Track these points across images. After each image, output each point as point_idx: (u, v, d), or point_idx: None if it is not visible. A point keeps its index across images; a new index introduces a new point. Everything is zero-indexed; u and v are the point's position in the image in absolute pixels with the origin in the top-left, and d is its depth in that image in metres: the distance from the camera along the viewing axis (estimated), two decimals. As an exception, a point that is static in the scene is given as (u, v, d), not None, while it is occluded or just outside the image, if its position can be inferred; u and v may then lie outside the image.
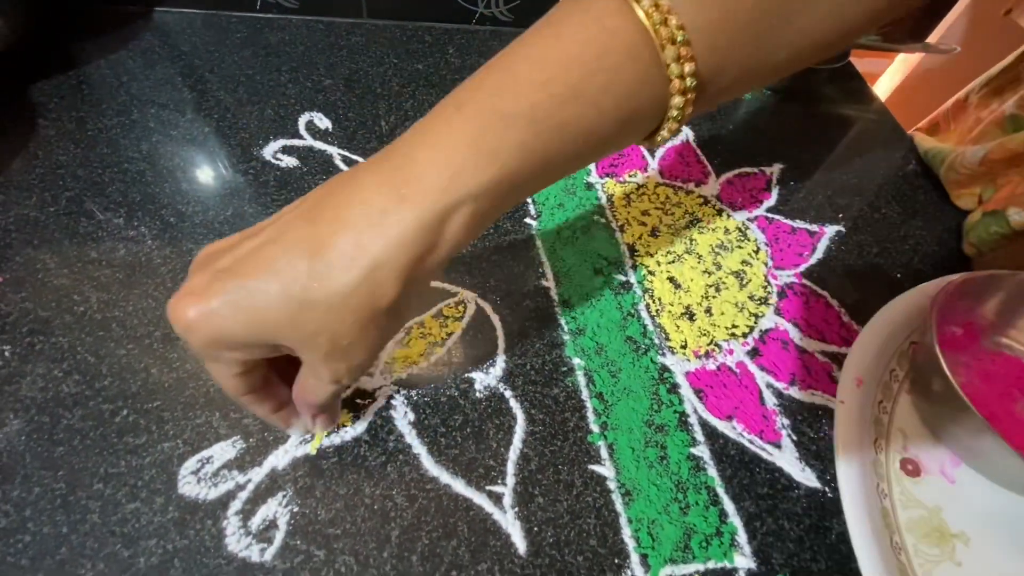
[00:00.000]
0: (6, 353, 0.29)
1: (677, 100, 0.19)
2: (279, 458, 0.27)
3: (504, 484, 0.28)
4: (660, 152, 0.45)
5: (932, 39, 0.59)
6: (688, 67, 0.18)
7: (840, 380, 0.31)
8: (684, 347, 0.34)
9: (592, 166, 0.43)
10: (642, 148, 0.45)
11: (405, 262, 0.19)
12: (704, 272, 0.37)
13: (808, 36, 0.20)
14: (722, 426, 0.31)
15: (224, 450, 0.27)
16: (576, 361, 0.32)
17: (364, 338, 0.20)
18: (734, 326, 0.35)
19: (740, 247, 0.39)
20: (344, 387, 0.23)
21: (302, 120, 0.43)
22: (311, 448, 0.28)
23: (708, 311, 0.35)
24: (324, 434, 0.28)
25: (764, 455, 0.30)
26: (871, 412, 0.30)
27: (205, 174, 0.39)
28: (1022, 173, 0.40)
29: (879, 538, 0.26)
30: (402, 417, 0.29)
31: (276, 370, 0.24)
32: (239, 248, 0.20)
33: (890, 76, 0.68)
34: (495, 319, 0.34)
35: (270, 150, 0.41)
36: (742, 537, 0.27)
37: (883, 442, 0.29)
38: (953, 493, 0.28)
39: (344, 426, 0.29)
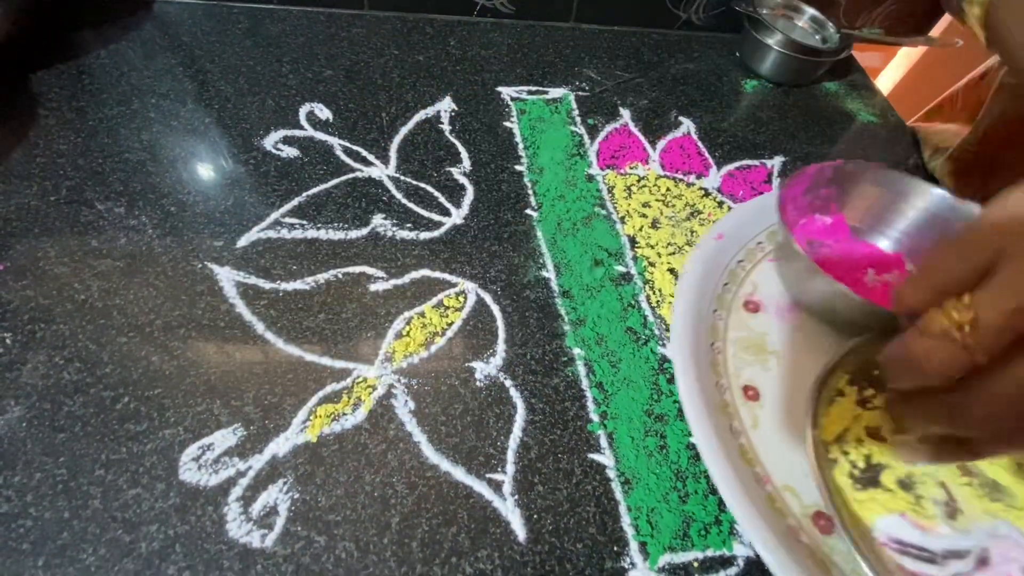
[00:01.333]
0: (7, 340, 0.29)
1: None
2: (280, 445, 0.27)
3: (504, 472, 0.28)
4: (661, 144, 0.45)
5: (935, 33, 0.58)
6: None
7: (704, 233, 0.36)
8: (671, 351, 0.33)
9: (593, 158, 0.43)
10: (643, 140, 0.45)
11: None
12: (705, 264, 0.37)
13: None
14: (722, 416, 0.31)
15: (225, 437, 0.27)
16: (576, 351, 0.32)
17: None
18: (734, 317, 0.35)
19: (741, 239, 0.39)
20: None
21: (303, 111, 0.43)
22: (309, 431, 0.28)
23: (708, 302, 0.35)
24: (327, 416, 0.28)
25: (763, 445, 0.30)
26: (727, 263, 0.36)
27: (206, 164, 0.39)
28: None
29: (700, 340, 0.31)
30: (402, 406, 0.29)
31: None
32: None
33: (893, 69, 0.68)
34: (495, 309, 0.34)
35: (271, 140, 0.41)
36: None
37: (733, 286, 0.35)
38: (781, 327, 0.34)
39: (343, 414, 0.29)
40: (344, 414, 0.29)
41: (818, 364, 0.28)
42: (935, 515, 0.26)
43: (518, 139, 0.44)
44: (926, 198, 0.35)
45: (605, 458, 0.29)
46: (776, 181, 0.44)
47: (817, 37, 0.53)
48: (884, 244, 0.37)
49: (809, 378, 0.28)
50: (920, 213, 0.35)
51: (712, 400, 0.29)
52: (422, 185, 0.40)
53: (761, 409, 0.30)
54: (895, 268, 0.35)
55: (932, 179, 0.45)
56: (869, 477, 0.27)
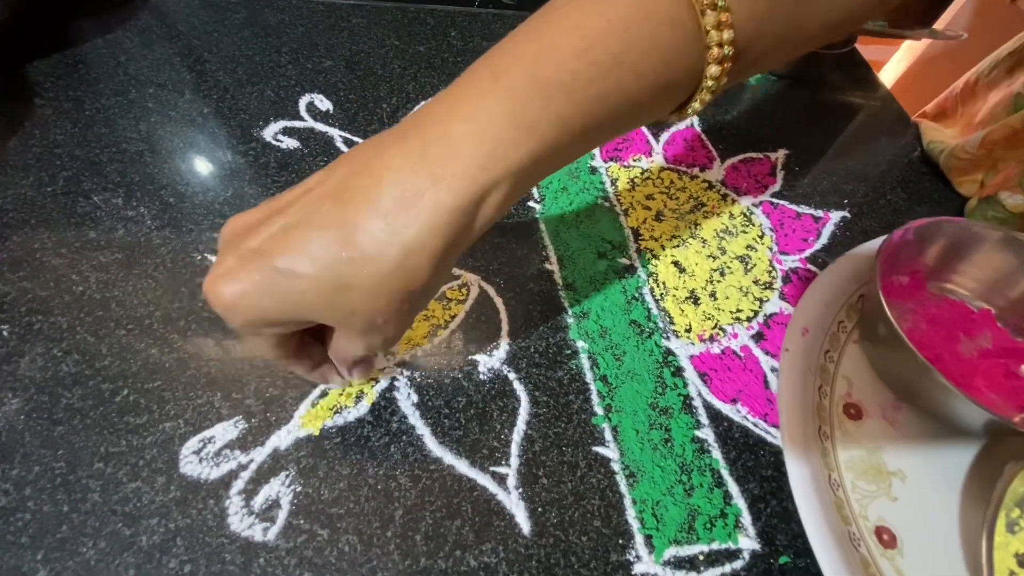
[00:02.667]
0: (4, 333, 0.29)
1: (713, 69, 0.19)
2: (281, 438, 0.27)
3: (508, 465, 0.27)
4: (665, 137, 0.45)
5: (939, 25, 0.58)
6: (727, 34, 0.18)
7: (787, 330, 0.31)
8: (688, 331, 0.33)
9: (596, 150, 0.43)
10: (647, 132, 0.45)
11: (440, 246, 0.19)
12: (709, 256, 0.37)
13: (843, 7, 0.20)
14: (726, 409, 0.30)
15: (226, 430, 0.27)
16: (580, 344, 0.32)
17: (398, 315, 0.20)
18: (738, 310, 0.35)
19: (745, 232, 0.39)
20: (375, 352, 0.24)
21: (303, 101, 0.43)
22: (311, 424, 0.27)
23: (712, 295, 0.35)
24: (329, 408, 0.28)
25: (768, 438, 0.30)
26: (817, 360, 0.31)
27: (204, 155, 0.38)
28: (1019, 156, 0.40)
29: (817, 476, 0.27)
30: (405, 398, 0.29)
31: (311, 332, 0.24)
32: (267, 227, 0.20)
33: (896, 63, 0.68)
34: (499, 302, 0.34)
35: (270, 131, 0.40)
36: (746, 519, 0.27)
37: (827, 388, 0.30)
38: (893, 434, 0.29)
39: (345, 407, 0.28)
40: (346, 407, 0.28)
41: (948, 481, 0.26)
42: None
43: (520, 131, 0.43)
44: (997, 242, 0.32)
45: (610, 451, 0.28)
46: (780, 174, 0.43)
47: (821, 29, 0.53)
48: (965, 296, 0.34)
49: (941, 501, 0.26)
50: (997, 260, 0.32)
51: (851, 560, 0.24)
52: (424, 177, 0.39)
53: (903, 559, 0.26)
54: (985, 329, 0.32)
55: (934, 172, 0.45)
56: None
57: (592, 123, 0.19)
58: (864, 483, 0.28)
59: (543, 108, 0.18)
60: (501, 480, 0.27)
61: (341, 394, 0.29)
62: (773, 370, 0.32)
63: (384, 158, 0.19)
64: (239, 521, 0.25)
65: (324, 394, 0.29)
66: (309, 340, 0.24)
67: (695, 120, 0.47)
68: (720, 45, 0.18)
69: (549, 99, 0.18)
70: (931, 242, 0.33)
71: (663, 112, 0.22)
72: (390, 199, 0.18)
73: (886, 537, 0.26)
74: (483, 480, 0.27)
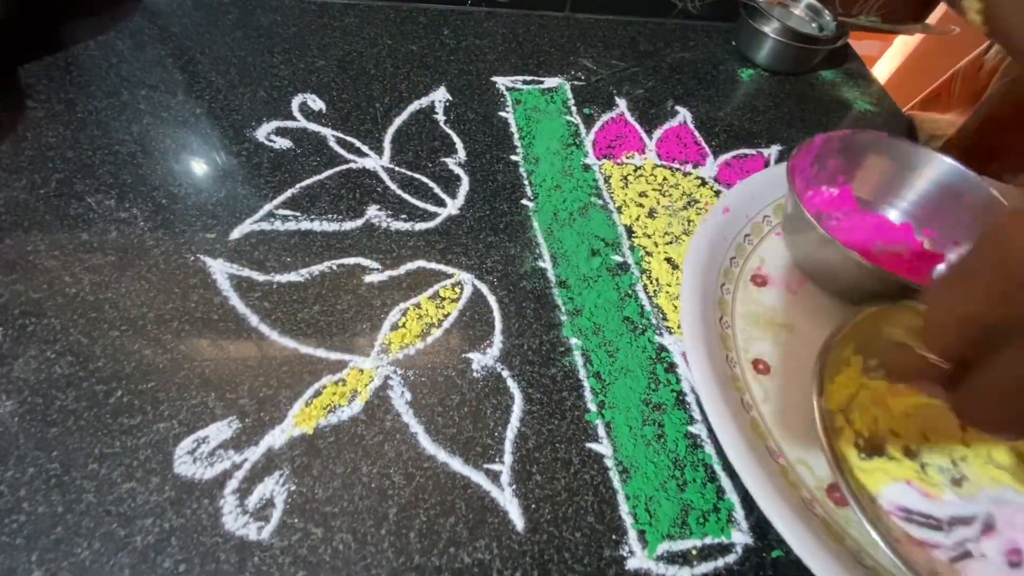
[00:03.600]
0: (-2, 335, 0.29)
1: None
2: (275, 438, 0.27)
3: (502, 462, 0.28)
4: (658, 134, 0.45)
5: (931, 20, 0.58)
6: None
7: (711, 208, 0.35)
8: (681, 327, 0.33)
9: (589, 147, 0.43)
10: (640, 129, 0.45)
11: None
12: (702, 253, 0.37)
13: None
14: (719, 404, 0.31)
15: (220, 430, 0.27)
16: (573, 341, 0.32)
17: None
18: (732, 306, 0.35)
19: (738, 228, 0.39)
20: None
21: (295, 102, 0.43)
22: (305, 424, 0.27)
23: (706, 291, 0.35)
24: (323, 408, 0.28)
25: (761, 433, 0.30)
26: (734, 237, 0.35)
27: (197, 156, 0.38)
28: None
29: (708, 315, 0.31)
30: (399, 397, 0.29)
31: None
32: None
33: (889, 59, 0.68)
34: (492, 300, 0.34)
35: (263, 132, 0.40)
36: (739, 513, 0.27)
37: (739, 260, 0.35)
38: (791, 299, 0.34)
39: (339, 406, 0.28)
40: (340, 406, 0.28)
41: (828, 331, 0.29)
42: (941, 483, 0.26)
43: (513, 129, 0.44)
44: (934, 167, 0.34)
45: (603, 447, 0.29)
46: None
47: (814, 25, 0.53)
48: (892, 215, 0.36)
49: (817, 346, 0.28)
50: (928, 183, 0.35)
51: (723, 374, 0.29)
52: (417, 176, 0.39)
53: (771, 382, 0.30)
54: (903, 238, 0.35)
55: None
56: (874, 445, 0.27)
57: None
58: (753, 329, 0.32)
59: None
60: (495, 477, 0.27)
61: (335, 393, 0.29)
62: (766, 365, 0.32)
63: None
64: (233, 520, 0.25)
65: (318, 393, 0.29)
66: None
67: (688, 116, 0.47)
68: None
69: None
70: (862, 156, 0.36)
71: None
72: None
73: (761, 367, 0.31)
74: (477, 477, 0.27)
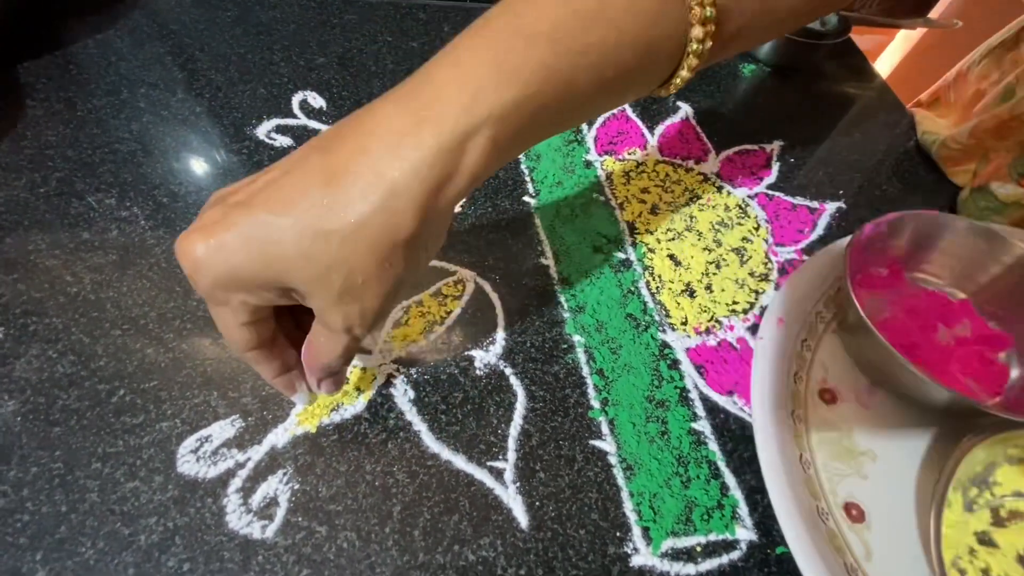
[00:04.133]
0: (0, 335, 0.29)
1: (697, 31, 0.20)
2: (279, 436, 0.27)
3: (505, 460, 0.28)
4: (659, 129, 0.45)
5: (933, 14, 0.58)
6: None
7: (763, 320, 0.32)
8: (684, 324, 0.33)
9: (591, 144, 0.43)
10: (641, 125, 0.45)
11: (423, 190, 0.18)
12: (704, 249, 0.37)
13: None
14: (723, 401, 0.31)
15: (223, 429, 0.27)
16: (576, 338, 0.32)
17: (379, 275, 0.19)
18: (735, 302, 0.35)
19: (740, 224, 0.39)
20: (355, 342, 0.22)
21: (295, 99, 0.42)
22: (308, 422, 0.27)
23: (708, 288, 0.35)
24: (326, 406, 0.28)
25: (765, 429, 0.30)
26: (792, 348, 0.32)
27: (197, 154, 0.38)
28: (1009, 147, 0.40)
29: (787, 455, 0.27)
30: (402, 395, 0.29)
31: (284, 334, 0.23)
32: (253, 183, 0.19)
33: (891, 53, 0.68)
34: (494, 297, 0.34)
35: (263, 129, 0.40)
36: (743, 510, 0.27)
37: (803, 375, 0.31)
38: (865, 416, 0.30)
39: (342, 404, 0.28)
40: (343, 404, 0.28)
41: (916, 459, 0.27)
42: None
43: (515, 126, 0.43)
44: (992, 243, 0.32)
45: (607, 444, 0.28)
46: (776, 165, 0.43)
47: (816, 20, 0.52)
48: (943, 286, 0.34)
49: (910, 479, 0.27)
50: (984, 257, 0.32)
51: (818, 533, 0.25)
52: (418, 173, 0.39)
53: (870, 532, 0.26)
54: (964, 318, 0.33)
55: (929, 162, 0.45)
56: None
57: (576, 77, 0.19)
58: (836, 463, 0.28)
59: (525, 54, 0.18)
60: (498, 475, 0.27)
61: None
62: (769, 361, 0.32)
63: (374, 110, 0.19)
64: (237, 519, 0.25)
65: (321, 392, 0.29)
66: (282, 341, 0.23)
67: (689, 112, 0.47)
68: (701, 5, 0.19)
69: (531, 46, 0.18)
70: (905, 234, 0.34)
71: (650, 81, 0.22)
72: (375, 142, 0.18)
73: (855, 512, 0.27)
74: (480, 475, 0.27)
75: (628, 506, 0.27)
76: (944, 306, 0.33)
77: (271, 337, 0.22)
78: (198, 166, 0.37)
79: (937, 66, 0.62)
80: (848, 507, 0.27)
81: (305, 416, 0.28)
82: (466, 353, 0.31)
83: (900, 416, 0.30)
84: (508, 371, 0.30)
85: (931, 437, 0.29)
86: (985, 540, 0.25)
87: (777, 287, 0.36)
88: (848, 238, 0.32)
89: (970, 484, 0.26)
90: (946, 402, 0.27)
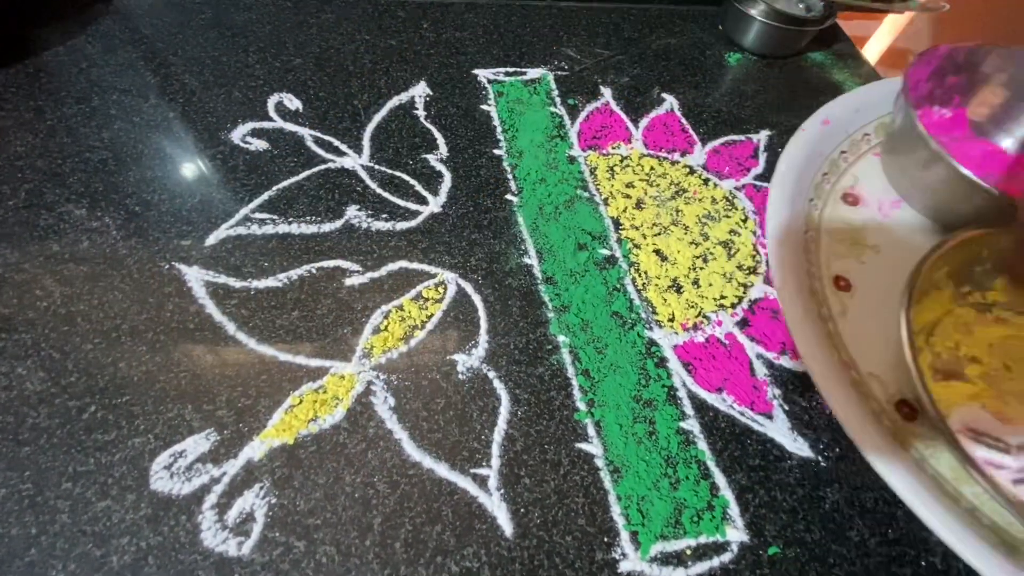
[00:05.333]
0: (-34, 353, 0.28)
1: None
2: (255, 449, 0.26)
3: (489, 466, 0.27)
4: (644, 122, 0.44)
5: (921, -2, 0.57)
6: None
7: (810, 118, 0.34)
8: (671, 320, 0.33)
9: (574, 139, 0.42)
10: (626, 119, 0.44)
11: None
12: (691, 243, 0.36)
13: None
14: (712, 398, 0.30)
15: (197, 443, 0.26)
16: (561, 339, 0.31)
17: None
18: (722, 297, 0.34)
19: (727, 217, 0.38)
20: None
21: (271, 101, 0.41)
22: (285, 434, 0.27)
23: (696, 283, 0.34)
24: (304, 418, 0.27)
25: (755, 426, 0.29)
26: (829, 152, 0.34)
27: (171, 161, 0.37)
28: None
29: (793, 226, 0.30)
30: (382, 403, 0.28)
31: None
32: None
33: (879, 39, 0.67)
34: (476, 299, 0.33)
35: (238, 133, 0.39)
36: (734, 510, 0.27)
37: (832, 177, 0.34)
38: (880, 222, 0.33)
39: (317, 418, 0.28)
40: (321, 414, 0.28)
41: (918, 258, 0.28)
42: (1019, 412, 0.25)
43: (496, 122, 0.42)
44: None
45: (593, 447, 0.28)
46: (763, 156, 0.43)
47: (801, 6, 0.52)
48: (1007, 144, 0.33)
49: (906, 273, 0.27)
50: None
51: (801, 284, 0.29)
52: (397, 174, 0.38)
53: (851, 299, 0.29)
54: (1019, 170, 0.32)
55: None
56: (950, 371, 0.27)
57: None
58: (839, 245, 0.31)
59: None
60: (482, 482, 0.26)
61: (316, 401, 0.28)
62: (759, 357, 0.32)
63: None
64: (212, 536, 0.24)
65: (299, 402, 0.28)
66: None
67: (675, 104, 0.46)
68: None
69: None
70: (987, 74, 0.33)
71: None
72: None
73: (842, 283, 0.30)
74: (463, 483, 0.26)
75: (616, 510, 0.26)
76: (1000, 157, 0.33)
77: None
78: (171, 173, 0.36)
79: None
80: (838, 279, 0.30)
81: (282, 427, 0.27)
82: (448, 358, 0.30)
83: (914, 226, 0.33)
84: (491, 375, 0.30)
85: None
86: (962, 327, 0.27)
87: (767, 280, 0.35)
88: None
89: (962, 279, 0.28)
90: (976, 203, 0.28)
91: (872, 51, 0.67)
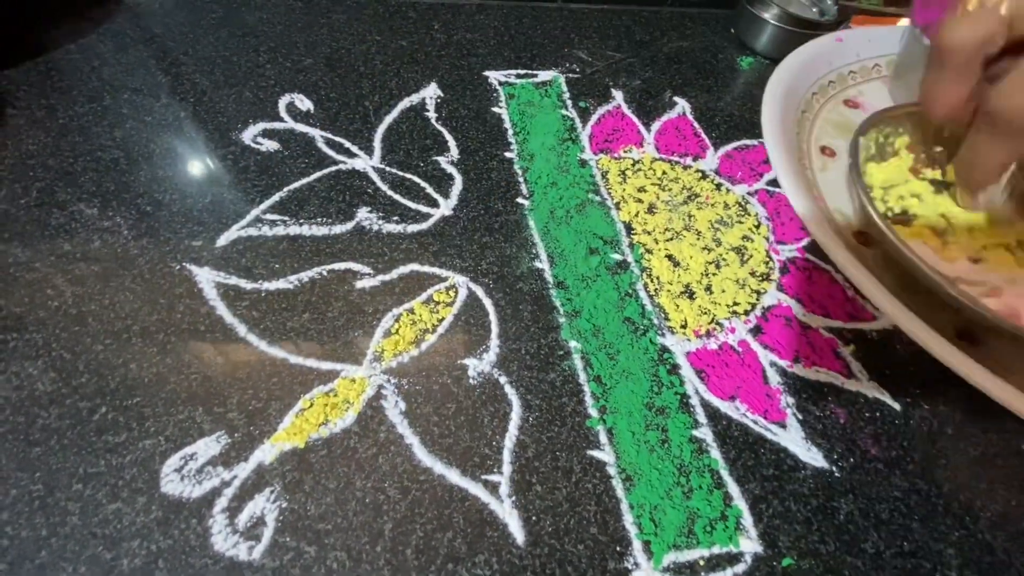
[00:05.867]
0: (-23, 352, 0.28)
1: None
2: (265, 452, 0.26)
3: (500, 473, 0.27)
4: (656, 126, 0.44)
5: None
6: None
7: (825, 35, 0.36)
8: (684, 327, 0.32)
9: (586, 142, 0.42)
10: (637, 122, 0.44)
11: None
12: (704, 249, 0.36)
13: None
14: (725, 407, 0.30)
15: (208, 446, 0.26)
16: (573, 344, 0.31)
17: None
18: (735, 303, 0.34)
19: (740, 222, 0.38)
20: None
21: (282, 102, 0.41)
22: (296, 437, 0.27)
23: (708, 289, 0.34)
24: (315, 422, 0.27)
25: (769, 435, 0.29)
26: (838, 67, 0.36)
27: (182, 161, 0.37)
28: None
29: (790, 106, 0.32)
30: (393, 407, 0.28)
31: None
32: None
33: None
34: (488, 303, 0.33)
35: (249, 134, 0.39)
36: (747, 520, 0.26)
37: (838, 85, 0.35)
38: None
39: (328, 422, 0.27)
40: (332, 418, 0.27)
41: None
42: (959, 256, 0.26)
43: (507, 125, 0.42)
44: None
45: (605, 455, 0.28)
46: (775, 161, 0.42)
47: (814, 10, 0.51)
48: None
49: None
50: None
51: (790, 140, 0.30)
52: (408, 176, 0.38)
53: (833, 162, 0.31)
54: None
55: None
56: (902, 219, 0.27)
57: None
58: (832, 128, 0.33)
59: None
60: (493, 488, 0.26)
61: (327, 405, 0.28)
62: (772, 365, 0.31)
63: None
64: (223, 540, 0.24)
65: (309, 405, 0.28)
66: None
67: (687, 107, 0.46)
68: None
69: None
70: None
71: None
72: None
73: (828, 152, 0.31)
74: (475, 489, 0.26)
75: (628, 519, 0.26)
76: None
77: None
78: (182, 173, 0.36)
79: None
80: (824, 148, 0.32)
81: (293, 431, 0.27)
82: (459, 362, 0.30)
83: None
84: (503, 380, 0.30)
85: None
86: (917, 194, 0.28)
87: (780, 287, 0.35)
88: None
89: (923, 155, 0.29)
90: None
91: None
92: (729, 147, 0.43)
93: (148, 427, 0.26)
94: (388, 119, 0.41)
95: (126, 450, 0.26)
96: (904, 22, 0.38)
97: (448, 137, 0.41)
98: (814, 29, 0.49)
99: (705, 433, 0.29)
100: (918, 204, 0.27)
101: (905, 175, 0.28)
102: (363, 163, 0.38)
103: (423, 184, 0.38)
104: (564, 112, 0.44)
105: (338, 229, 0.35)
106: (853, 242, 0.27)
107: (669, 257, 0.35)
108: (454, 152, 0.40)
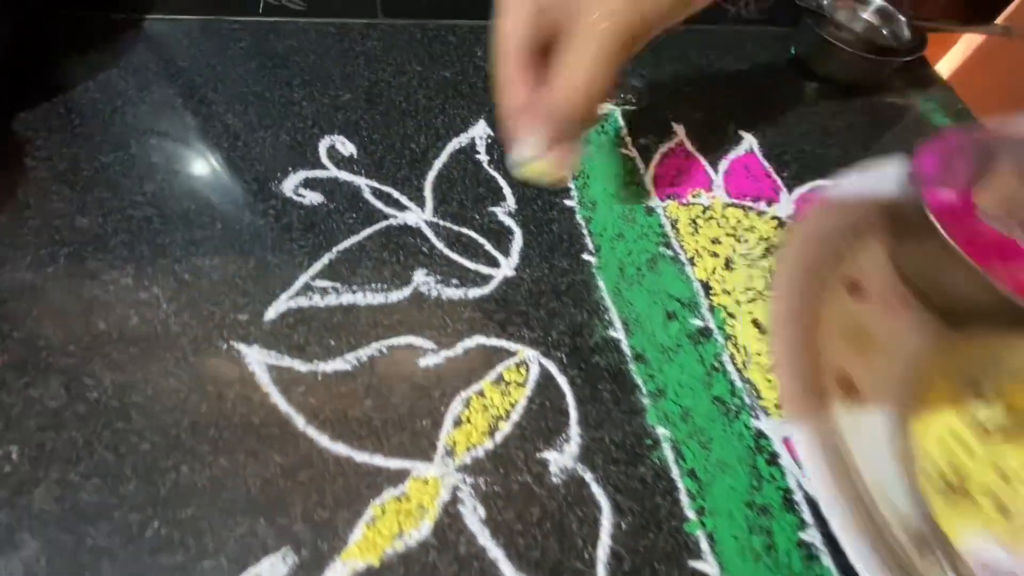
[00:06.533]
0: (13, 456, 0.25)
1: None
2: (337, 573, 0.24)
3: (597, 592, 0.24)
4: (723, 165, 0.41)
5: (1001, 20, 0.53)
6: None
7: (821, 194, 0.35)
8: (779, 406, 0.30)
9: (650, 186, 0.39)
10: (704, 163, 0.40)
11: None
12: (789, 312, 0.33)
13: None
14: (833, 504, 0.27)
15: (274, 566, 0.24)
16: (660, 431, 0.29)
17: None
18: (831, 378, 0.31)
19: (825, 278, 0.35)
20: (606, 70, 0.22)
21: (323, 145, 0.38)
22: (370, 554, 0.24)
23: (800, 360, 0.31)
24: (389, 535, 0.24)
25: (884, 538, 0.26)
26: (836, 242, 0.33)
27: (220, 219, 0.34)
28: None
29: (796, 314, 0.30)
30: (471, 512, 0.26)
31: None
32: None
33: (949, 59, 0.63)
34: (563, 381, 0.30)
35: (290, 184, 0.36)
36: (871, 643, 0.24)
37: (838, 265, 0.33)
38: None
39: (403, 533, 0.25)
40: (407, 528, 0.25)
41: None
42: None
43: (565, 168, 0.39)
44: None
45: (708, 566, 0.25)
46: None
47: (885, 32, 0.48)
48: (1018, 235, 0.30)
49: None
50: None
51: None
52: (464, 231, 0.35)
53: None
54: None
55: None
56: (957, 485, 0.25)
57: None
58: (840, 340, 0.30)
59: None
60: (590, 611, 0.24)
61: (399, 512, 0.25)
62: (877, 450, 0.29)
63: None
64: None
65: (383, 512, 0.25)
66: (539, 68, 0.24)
67: (753, 143, 0.42)
68: None
69: None
70: (999, 158, 0.31)
71: None
72: None
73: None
74: (570, 612, 0.24)
75: (741, 645, 0.23)
76: (1010, 248, 0.30)
77: (539, 51, 0.24)
78: (222, 234, 0.33)
79: (999, 73, 0.58)
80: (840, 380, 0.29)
81: (365, 545, 0.24)
82: (539, 456, 0.27)
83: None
84: (588, 477, 0.27)
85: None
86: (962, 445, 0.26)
87: (875, 356, 0.32)
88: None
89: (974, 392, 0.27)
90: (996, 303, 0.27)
91: (942, 70, 0.63)
92: (804, 188, 0.40)
93: (206, 544, 0.24)
94: (437, 164, 0.38)
95: (184, 573, 0.23)
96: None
97: (502, 183, 0.38)
98: (889, 54, 0.45)
99: (813, 535, 0.26)
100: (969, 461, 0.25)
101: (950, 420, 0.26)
102: (415, 217, 0.35)
103: (481, 240, 0.35)
104: (624, 151, 0.41)
105: (395, 296, 0.32)
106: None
107: (754, 322, 0.33)
108: (511, 201, 0.37)
